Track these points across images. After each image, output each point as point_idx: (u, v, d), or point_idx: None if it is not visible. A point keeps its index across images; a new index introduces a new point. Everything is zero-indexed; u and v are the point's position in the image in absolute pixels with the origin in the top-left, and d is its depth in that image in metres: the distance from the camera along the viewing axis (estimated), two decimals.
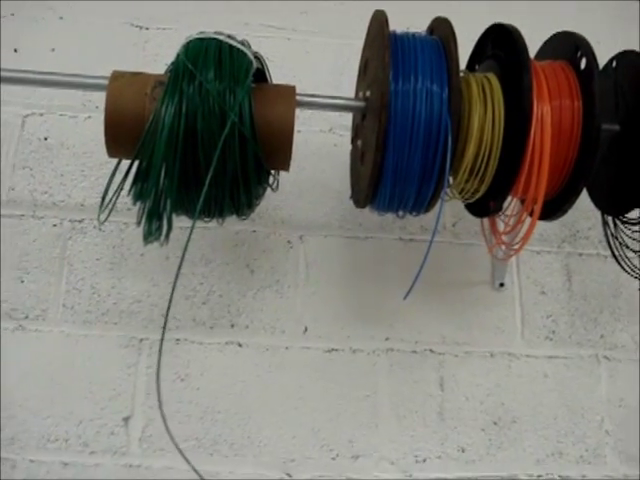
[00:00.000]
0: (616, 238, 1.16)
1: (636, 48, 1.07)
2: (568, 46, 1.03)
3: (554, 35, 1.09)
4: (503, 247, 1.17)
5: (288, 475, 1.17)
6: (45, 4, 1.48)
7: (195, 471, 1.00)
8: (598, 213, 1.18)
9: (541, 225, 1.35)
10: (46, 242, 1.26)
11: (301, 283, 1.29)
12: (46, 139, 1.34)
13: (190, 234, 0.90)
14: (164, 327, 0.96)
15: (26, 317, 1.21)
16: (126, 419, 1.17)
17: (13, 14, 1.46)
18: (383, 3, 1.04)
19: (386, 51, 0.93)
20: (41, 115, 1.36)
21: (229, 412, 1.19)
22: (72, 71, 1.06)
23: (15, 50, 1.43)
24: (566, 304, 1.32)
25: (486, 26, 1.08)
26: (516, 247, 1.09)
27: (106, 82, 0.98)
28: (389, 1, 1.09)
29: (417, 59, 0.95)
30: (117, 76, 0.98)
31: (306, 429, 1.19)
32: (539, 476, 1.21)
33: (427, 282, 1.24)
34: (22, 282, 1.23)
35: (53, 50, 1.43)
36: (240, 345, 1.23)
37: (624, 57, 1.09)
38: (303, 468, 1.17)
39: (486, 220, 1.20)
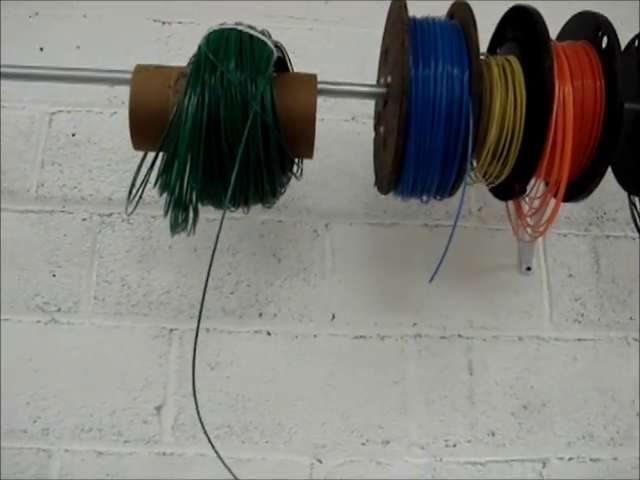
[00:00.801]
0: None
1: None
2: (589, 26, 1.02)
3: (575, 16, 1.09)
4: (529, 230, 1.16)
5: (319, 461, 1.18)
6: (69, 3, 1.50)
7: (222, 461, 1.00)
8: (625, 195, 1.17)
9: (568, 208, 1.35)
10: (76, 236, 1.28)
11: (328, 271, 1.29)
12: (74, 135, 1.36)
13: (221, 224, 0.92)
14: (199, 316, 0.97)
15: (58, 310, 1.23)
16: (158, 408, 1.19)
17: (38, 13, 1.49)
18: None
19: (405, 36, 0.93)
20: (68, 112, 1.38)
21: (259, 399, 1.20)
22: (97, 67, 1.08)
23: (41, 49, 1.45)
24: (594, 287, 1.32)
25: (506, 9, 1.08)
26: (541, 229, 1.09)
27: (130, 76, 0.99)
28: None
29: (437, 43, 0.95)
30: (140, 69, 1.00)
31: (336, 415, 1.20)
32: (570, 459, 1.21)
33: (454, 267, 1.24)
34: (54, 276, 1.25)
35: (78, 47, 1.45)
36: (269, 333, 1.25)
37: None
38: (334, 454, 1.18)
39: (511, 203, 1.20)
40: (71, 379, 1.20)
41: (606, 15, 1.01)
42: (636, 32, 1.09)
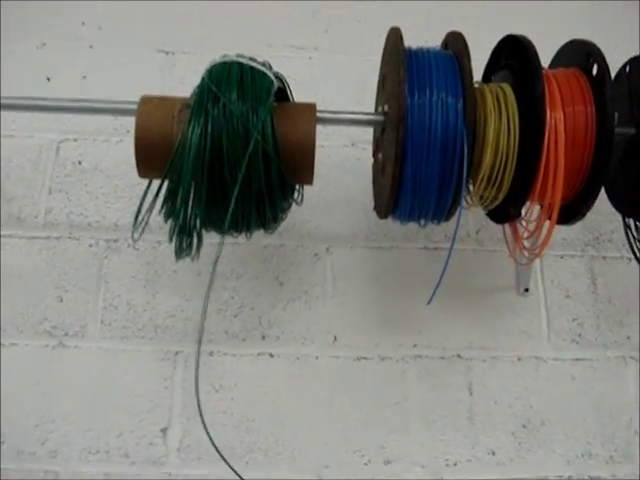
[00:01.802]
0: (638, 241, 1.17)
1: None
2: (580, 53, 1.06)
3: (566, 44, 1.12)
4: (525, 252, 1.19)
5: None
6: (75, 33, 1.55)
7: (238, 475, 1.03)
8: (620, 216, 1.20)
9: (564, 230, 1.37)
10: (83, 262, 1.31)
11: (329, 294, 1.32)
12: (80, 163, 1.40)
13: (220, 249, 0.95)
14: (199, 339, 0.99)
15: (66, 334, 1.26)
16: (164, 430, 1.21)
17: (45, 44, 1.53)
18: (399, 20, 1.08)
19: (401, 66, 0.96)
20: (75, 140, 1.42)
21: (263, 420, 1.22)
22: (103, 97, 1.11)
23: (48, 79, 1.49)
24: (591, 307, 1.34)
25: (500, 37, 1.11)
26: (537, 251, 1.12)
27: (135, 107, 1.02)
28: (405, 18, 1.13)
29: (432, 72, 0.98)
30: (146, 100, 1.03)
31: (338, 435, 1.22)
32: (570, 477, 1.22)
33: (453, 289, 1.27)
34: (61, 301, 1.28)
35: (84, 77, 1.49)
36: (272, 356, 1.27)
37: (637, 61, 1.11)
38: (336, 473, 1.20)
39: (507, 226, 1.22)
40: (78, 402, 1.22)
41: (602, 40, 1.05)
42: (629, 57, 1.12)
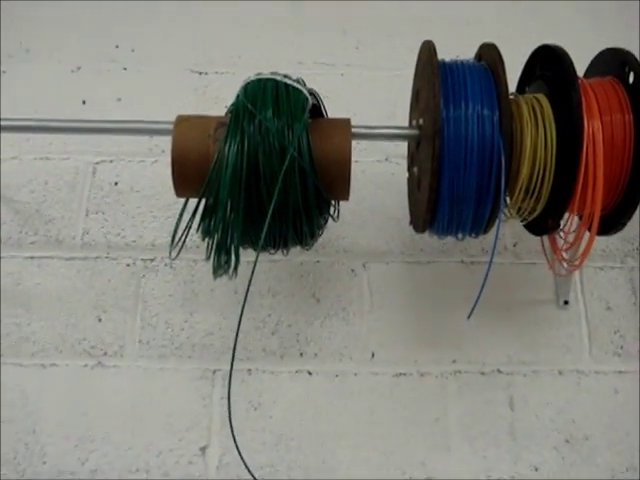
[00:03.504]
0: None
1: None
2: (615, 62, 1.05)
3: (601, 53, 1.11)
4: (564, 264, 1.17)
5: None
6: (109, 56, 1.58)
7: None
8: None
9: (603, 241, 1.36)
10: (121, 281, 1.32)
11: (366, 310, 1.31)
12: (116, 184, 1.41)
13: (255, 264, 0.94)
14: (232, 358, 0.99)
15: (105, 354, 1.27)
16: (203, 449, 1.20)
17: (80, 67, 1.56)
18: (429, 35, 1.08)
19: (436, 79, 0.96)
20: (111, 162, 1.43)
21: (302, 438, 1.21)
22: (138, 118, 1.13)
23: (83, 102, 1.51)
24: (632, 319, 1.31)
25: (533, 48, 1.11)
26: (577, 263, 1.10)
27: (171, 127, 1.03)
28: (436, 32, 1.13)
29: (466, 85, 0.98)
30: (181, 120, 1.04)
31: (378, 452, 1.21)
32: None
33: (491, 303, 1.26)
34: (100, 321, 1.29)
35: (119, 100, 1.51)
36: (310, 373, 1.26)
37: None
38: None
39: (546, 238, 1.21)
40: (118, 421, 1.22)
41: (634, 49, 1.04)
42: None
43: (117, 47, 1.59)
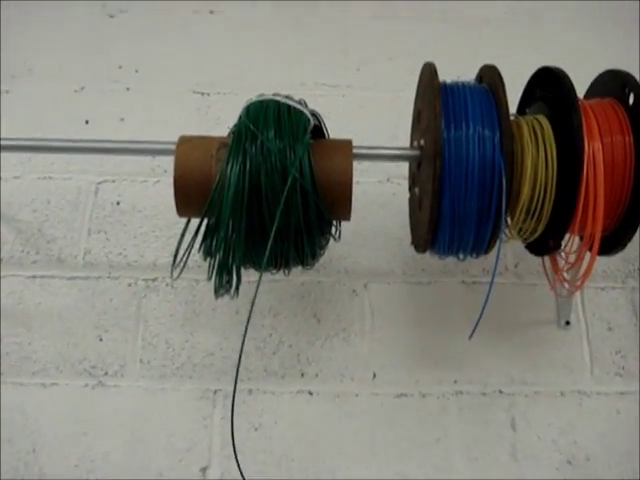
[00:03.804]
0: None
1: None
2: (615, 84, 1.05)
3: (601, 74, 1.11)
4: (566, 284, 1.17)
5: None
6: (112, 76, 1.59)
7: None
8: None
9: (604, 261, 1.36)
10: (122, 301, 1.32)
11: (368, 330, 1.31)
12: (118, 204, 1.41)
13: (258, 285, 0.94)
14: (235, 378, 0.98)
15: (105, 374, 1.26)
16: (204, 469, 1.20)
17: (83, 88, 1.56)
18: (431, 56, 1.09)
19: (437, 100, 0.97)
20: (113, 181, 1.44)
21: (303, 459, 1.21)
22: (140, 138, 1.14)
23: (86, 121, 1.52)
24: (634, 339, 1.31)
25: (533, 70, 1.12)
26: (578, 283, 1.10)
27: (173, 147, 1.03)
28: (437, 53, 1.13)
29: (467, 106, 0.99)
30: (184, 140, 1.04)
31: (379, 473, 1.20)
32: None
33: (493, 324, 1.26)
34: (101, 340, 1.29)
35: (122, 120, 1.52)
36: (311, 393, 1.26)
37: None
38: None
39: (547, 258, 1.21)
40: (118, 441, 1.22)
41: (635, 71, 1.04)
42: None
43: (120, 67, 1.60)
